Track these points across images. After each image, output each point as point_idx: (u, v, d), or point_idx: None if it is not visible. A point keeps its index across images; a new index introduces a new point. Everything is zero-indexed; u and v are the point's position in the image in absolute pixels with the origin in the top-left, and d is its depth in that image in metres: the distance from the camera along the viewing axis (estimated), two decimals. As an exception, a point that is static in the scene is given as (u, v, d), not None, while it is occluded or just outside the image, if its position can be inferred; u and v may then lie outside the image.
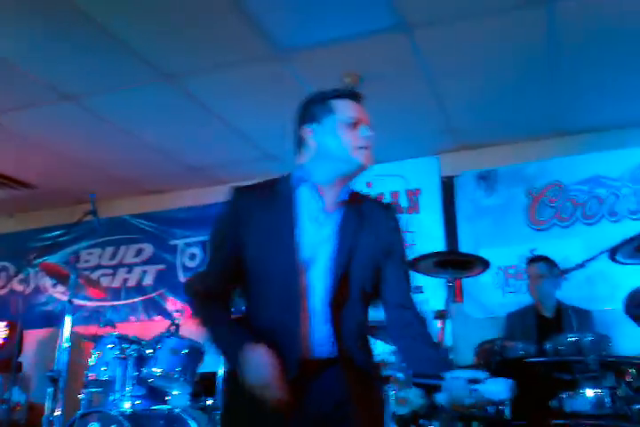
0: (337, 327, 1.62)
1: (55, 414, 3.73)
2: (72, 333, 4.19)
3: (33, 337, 5.03)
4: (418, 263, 3.24)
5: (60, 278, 4.01)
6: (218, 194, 5.00)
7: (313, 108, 1.75)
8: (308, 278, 1.64)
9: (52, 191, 5.34)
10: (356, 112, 1.74)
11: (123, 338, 3.99)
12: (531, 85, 3.74)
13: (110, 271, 5.46)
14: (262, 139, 4.36)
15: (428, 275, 3.37)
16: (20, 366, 4.74)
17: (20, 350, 4.82)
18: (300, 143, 1.77)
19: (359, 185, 1.83)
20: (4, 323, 5.10)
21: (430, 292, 4.12)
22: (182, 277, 5.13)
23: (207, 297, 1.71)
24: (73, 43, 3.19)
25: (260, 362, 1.49)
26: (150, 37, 3.17)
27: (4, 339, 5.05)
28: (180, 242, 5.29)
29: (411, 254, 3.32)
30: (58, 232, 5.65)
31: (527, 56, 3.42)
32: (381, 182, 4.74)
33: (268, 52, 3.30)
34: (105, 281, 5.34)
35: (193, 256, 5.21)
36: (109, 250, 5.52)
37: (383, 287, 1.75)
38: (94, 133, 4.31)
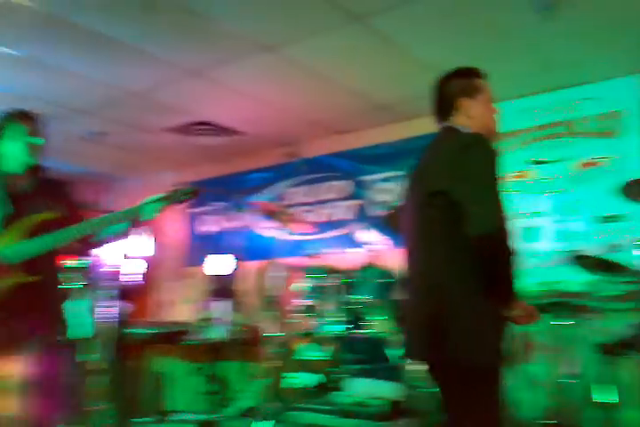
0: None
1: (271, 334, 4.24)
2: (282, 264, 4.65)
3: (250, 268, 5.59)
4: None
5: (269, 215, 4.43)
6: (405, 130, 5.10)
7: (466, 84, 2.11)
8: None
9: (257, 136, 5.76)
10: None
11: (328, 268, 4.35)
12: None
13: (312, 208, 5.87)
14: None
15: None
16: (239, 293, 5.36)
17: (237, 280, 5.45)
18: (453, 109, 2.10)
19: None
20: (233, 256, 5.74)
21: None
22: (376, 211, 5.35)
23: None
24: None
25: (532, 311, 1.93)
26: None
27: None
28: (372, 178, 5.50)
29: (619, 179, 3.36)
30: (265, 174, 6.17)
31: None
32: (579, 106, 4.50)
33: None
34: (307, 217, 5.78)
35: (385, 191, 5.39)
36: (310, 188, 5.91)
37: None
38: (292, 81, 4.57)
